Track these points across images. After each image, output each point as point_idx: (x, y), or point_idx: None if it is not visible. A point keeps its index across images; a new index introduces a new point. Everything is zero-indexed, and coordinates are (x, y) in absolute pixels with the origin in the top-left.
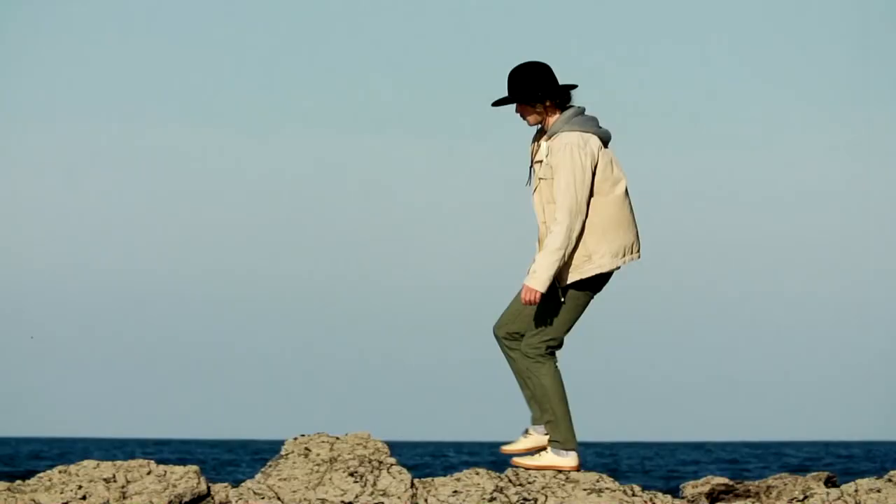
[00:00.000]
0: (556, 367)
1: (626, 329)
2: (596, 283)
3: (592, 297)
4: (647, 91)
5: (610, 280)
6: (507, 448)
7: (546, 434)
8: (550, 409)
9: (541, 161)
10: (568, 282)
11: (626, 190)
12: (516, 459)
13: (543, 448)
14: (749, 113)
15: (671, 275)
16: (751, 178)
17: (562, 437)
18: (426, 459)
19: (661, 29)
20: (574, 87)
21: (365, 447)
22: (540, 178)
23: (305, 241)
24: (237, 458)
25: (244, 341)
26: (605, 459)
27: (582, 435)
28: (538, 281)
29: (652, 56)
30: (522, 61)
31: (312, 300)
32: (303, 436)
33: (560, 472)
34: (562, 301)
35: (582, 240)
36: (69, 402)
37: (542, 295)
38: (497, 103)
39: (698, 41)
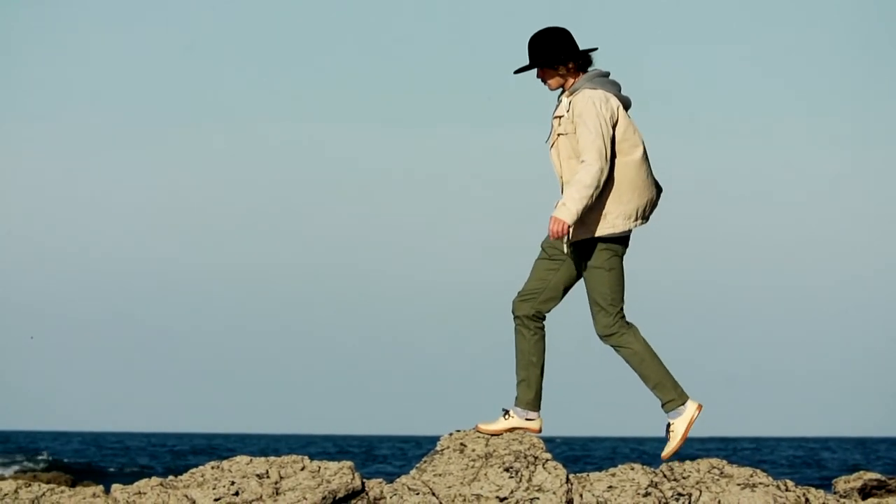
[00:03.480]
0: (637, 329)
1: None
2: (615, 244)
3: (620, 255)
4: (647, 85)
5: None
6: (483, 427)
7: (531, 419)
8: (651, 372)
9: (560, 116)
10: (578, 238)
11: (645, 155)
12: (666, 454)
13: (521, 429)
14: (749, 107)
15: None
16: (755, 174)
17: (675, 393)
18: (581, 454)
19: (661, 24)
20: (594, 49)
21: (520, 443)
22: (559, 134)
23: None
24: (393, 454)
25: (400, 338)
26: (763, 454)
27: (729, 430)
28: (568, 212)
29: (651, 49)
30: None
31: (454, 295)
32: (458, 431)
33: (687, 433)
34: (569, 253)
35: (599, 198)
36: (221, 399)
37: (555, 263)
38: (519, 70)
39: (695, 36)
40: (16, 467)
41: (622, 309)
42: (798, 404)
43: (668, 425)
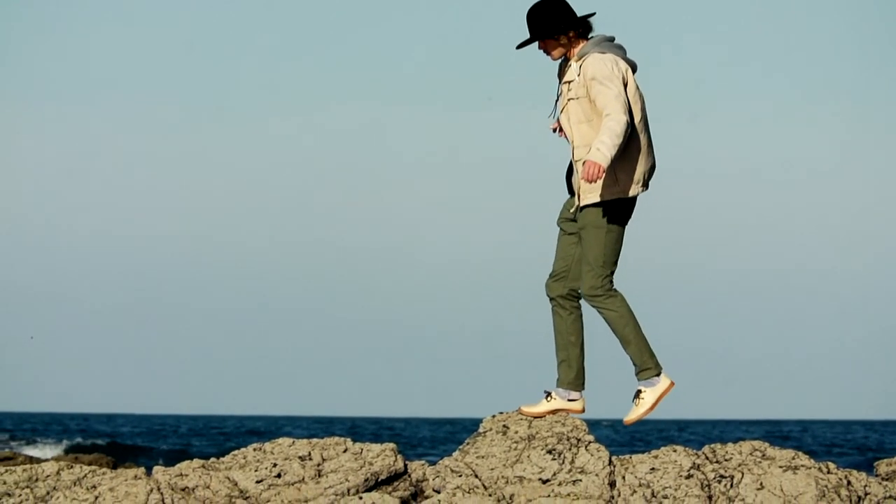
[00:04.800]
0: (623, 297)
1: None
2: (620, 209)
3: (623, 224)
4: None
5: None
6: (526, 409)
7: (573, 399)
8: (633, 337)
9: (571, 81)
10: (589, 202)
11: (646, 120)
12: (629, 419)
13: (564, 410)
14: (753, 96)
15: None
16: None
17: (651, 363)
18: (629, 437)
19: (662, 20)
20: (592, 14)
21: (563, 425)
22: (569, 99)
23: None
24: (435, 436)
25: (444, 322)
26: (808, 437)
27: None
28: (603, 156)
29: (657, 42)
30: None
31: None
32: (501, 413)
33: (661, 400)
34: (577, 214)
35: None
36: (271, 382)
37: (575, 237)
38: (521, 45)
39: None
40: (63, 446)
41: (612, 273)
42: (843, 386)
43: (639, 392)
